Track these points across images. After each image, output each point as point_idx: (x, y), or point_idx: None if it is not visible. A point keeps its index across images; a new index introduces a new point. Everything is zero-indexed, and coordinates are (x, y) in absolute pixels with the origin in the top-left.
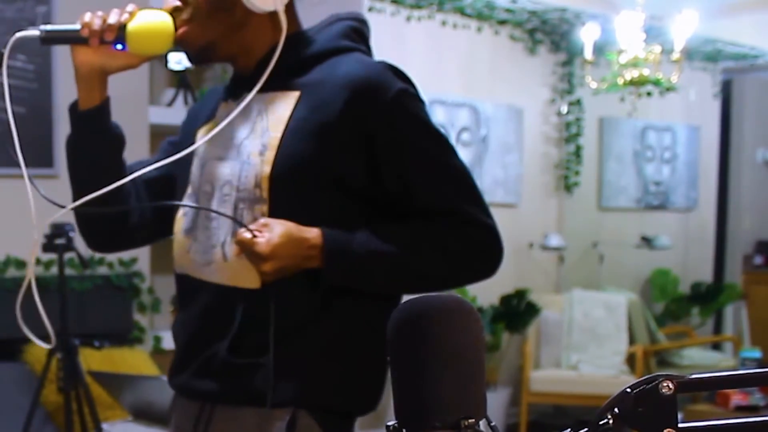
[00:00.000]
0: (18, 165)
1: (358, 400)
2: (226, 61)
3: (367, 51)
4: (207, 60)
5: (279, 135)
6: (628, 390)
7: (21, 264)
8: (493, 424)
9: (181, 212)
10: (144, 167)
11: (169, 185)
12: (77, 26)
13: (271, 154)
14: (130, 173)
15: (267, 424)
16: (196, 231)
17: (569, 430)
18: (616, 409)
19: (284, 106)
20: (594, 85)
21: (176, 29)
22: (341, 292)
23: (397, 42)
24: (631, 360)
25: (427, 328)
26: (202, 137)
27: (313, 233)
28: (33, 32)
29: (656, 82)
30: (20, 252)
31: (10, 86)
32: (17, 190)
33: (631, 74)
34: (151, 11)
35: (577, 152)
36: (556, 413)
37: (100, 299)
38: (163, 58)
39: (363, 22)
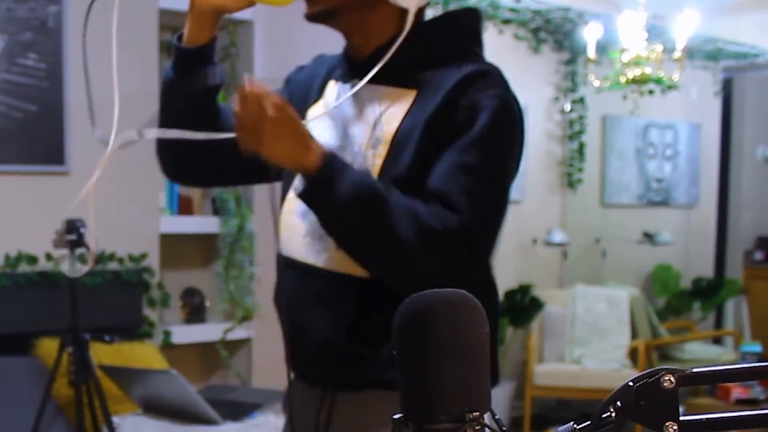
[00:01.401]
0: (29, 162)
1: None
2: (343, 32)
3: (481, 50)
4: (325, 21)
5: (392, 131)
6: (631, 384)
7: (33, 259)
8: (497, 417)
9: (292, 193)
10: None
11: None
12: None
13: (383, 149)
14: (225, 117)
15: (393, 404)
16: (311, 216)
17: (572, 423)
18: (618, 403)
19: (399, 103)
20: (597, 83)
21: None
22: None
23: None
24: (633, 354)
25: (432, 322)
26: (313, 117)
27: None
28: None
29: (658, 81)
30: (31, 247)
31: (20, 84)
32: (29, 187)
33: (634, 73)
34: None
35: (580, 149)
36: (559, 407)
37: (110, 294)
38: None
39: (479, 19)
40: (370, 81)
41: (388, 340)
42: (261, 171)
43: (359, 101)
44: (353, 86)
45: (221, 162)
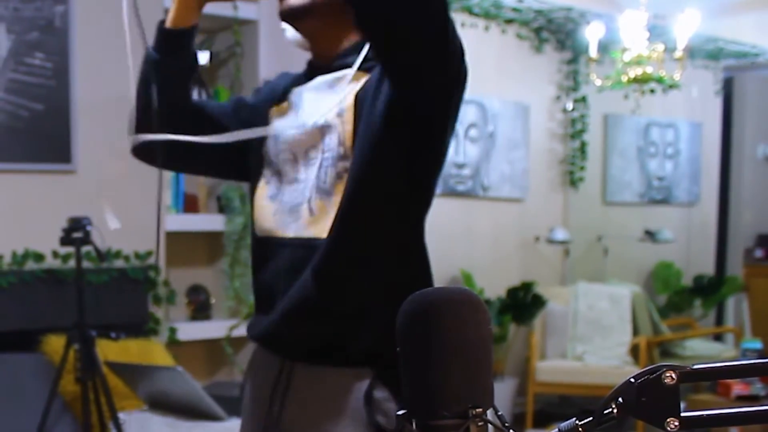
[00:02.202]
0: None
1: None
2: (310, 35)
3: None
4: (296, 20)
5: (352, 99)
6: (632, 380)
7: (39, 257)
8: (500, 413)
9: (263, 181)
10: (210, 109)
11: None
12: None
13: (349, 114)
14: (195, 108)
15: (348, 383)
16: (282, 195)
17: (574, 419)
18: (620, 399)
19: (357, 81)
20: (599, 82)
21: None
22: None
23: None
24: (634, 351)
25: (435, 320)
26: (277, 116)
27: None
28: None
29: (659, 80)
30: (38, 245)
31: (27, 83)
32: (35, 185)
33: (635, 72)
34: None
35: (582, 148)
36: (561, 403)
37: (117, 292)
38: None
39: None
40: (317, 77)
41: (346, 308)
42: (232, 166)
43: (323, 84)
44: (319, 83)
45: (196, 150)
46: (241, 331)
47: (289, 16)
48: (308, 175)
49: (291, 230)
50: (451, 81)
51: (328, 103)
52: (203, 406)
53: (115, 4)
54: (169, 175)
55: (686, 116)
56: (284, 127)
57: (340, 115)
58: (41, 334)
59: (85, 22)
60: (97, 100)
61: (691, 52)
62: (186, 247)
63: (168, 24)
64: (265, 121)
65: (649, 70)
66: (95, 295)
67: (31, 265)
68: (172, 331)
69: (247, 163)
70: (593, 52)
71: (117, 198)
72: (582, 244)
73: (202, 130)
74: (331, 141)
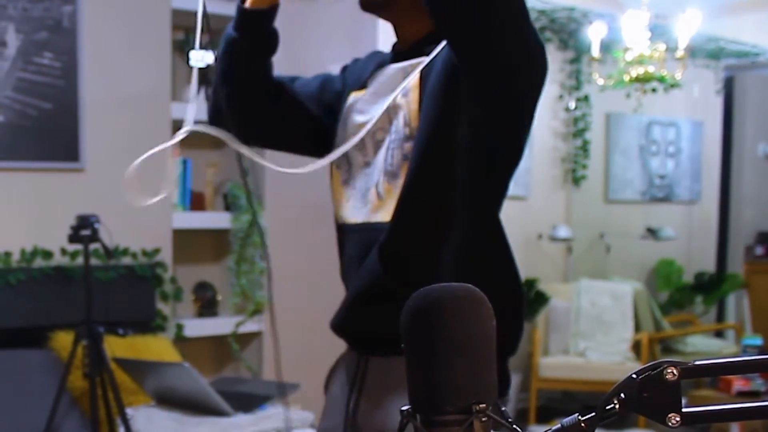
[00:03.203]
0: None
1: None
2: (392, 22)
3: None
4: (378, 9)
5: (417, 78)
6: (634, 376)
7: (48, 254)
8: (503, 408)
9: (334, 166)
10: (295, 89)
11: (309, 117)
12: None
13: (414, 94)
14: (275, 87)
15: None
16: (354, 180)
17: (577, 414)
18: (622, 395)
19: (414, 64)
20: (601, 81)
21: None
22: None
23: None
24: (636, 347)
25: (439, 316)
26: (355, 99)
27: None
28: None
29: (661, 79)
30: (46, 242)
31: (36, 83)
32: (44, 184)
33: (637, 71)
34: None
35: (585, 146)
36: (564, 398)
37: (124, 288)
38: (186, 56)
39: None
40: (394, 64)
41: (412, 290)
42: (310, 141)
43: (392, 79)
44: (392, 68)
45: (271, 128)
46: (248, 327)
47: (368, 6)
48: (377, 159)
49: (361, 216)
50: (528, 76)
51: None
52: (210, 401)
53: (122, 4)
54: (175, 173)
55: (687, 115)
56: (364, 118)
57: (405, 95)
58: (50, 330)
59: (93, 21)
60: (105, 98)
61: (692, 52)
62: (193, 244)
63: (247, 4)
64: (343, 109)
65: (651, 69)
66: (103, 291)
67: (39, 262)
68: (179, 327)
69: (326, 141)
70: (595, 52)
71: (124, 197)
72: (584, 241)
73: (285, 111)
74: (398, 122)
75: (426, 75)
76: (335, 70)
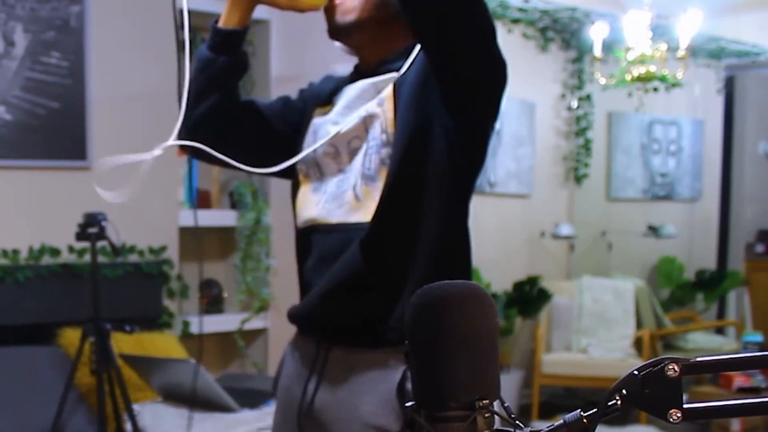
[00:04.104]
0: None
1: None
2: (356, 47)
3: None
4: (342, 36)
5: (391, 89)
6: (636, 372)
7: (55, 252)
8: (506, 404)
9: (302, 176)
10: (260, 109)
11: (275, 134)
12: None
13: (389, 103)
14: (245, 106)
15: (381, 369)
16: (326, 186)
17: (579, 410)
18: (624, 391)
19: (385, 79)
20: (603, 81)
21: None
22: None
23: None
24: (638, 344)
25: (442, 313)
26: (319, 116)
27: None
28: None
29: (662, 78)
30: (54, 240)
31: (44, 82)
32: (52, 182)
33: (639, 71)
34: None
35: (587, 145)
36: (566, 395)
37: (131, 286)
38: (191, 56)
39: None
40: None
41: (388, 284)
42: (273, 158)
43: (364, 93)
44: (361, 83)
45: (236, 140)
46: (253, 324)
47: (337, 33)
48: (353, 165)
49: (335, 217)
50: (495, 77)
51: (370, 99)
52: (216, 397)
53: (128, 5)
54: (182, 171)
55: (688, 114)
56: (338, 128)
57: (380, 105)
58: (57, 327)
59: (100, 21)
60: (111, 97)
61: (694, 51)
62: (197, 244)
63: (221, 23)
64: (308, 124)
65: (653, 68)
66: (110, 289)
67: (47, 259)
68: (185, 324)
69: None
70: (598, 52)
71: (132, 195)
72: (586, 239)
73: (252, 128)
74: (375, 130)
75: (399, 86)
76: (339, 71)
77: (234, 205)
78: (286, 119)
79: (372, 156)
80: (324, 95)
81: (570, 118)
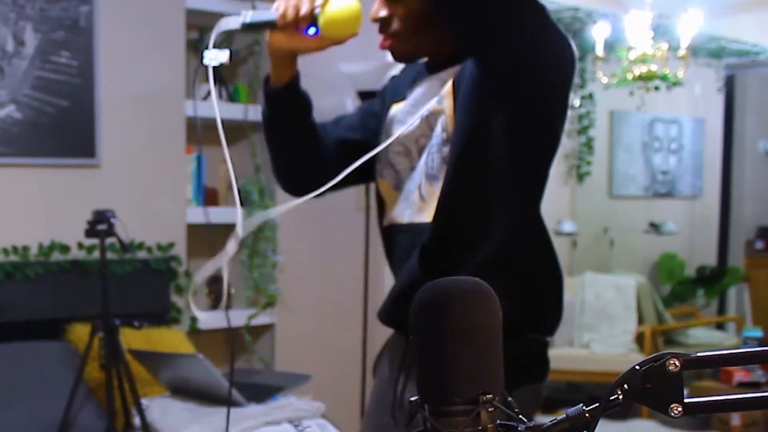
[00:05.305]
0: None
1: (539, 322)
2: (427, 55)
3: None
4: (410, 62)
5: (451, 84)
6: (637, 367)
7: (65, 248)
8: (509, 399)
9: (378, 175)
10: (340, 131)
11: (357, 147)
12: (273, 15)
13: (449, 100)
14: (321, 131)
15: None
16: (402, 184)
17: (581, 404)
18: (625, 386)
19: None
20: (605, 80)
21: (384, 39)
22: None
23: None
24: (639, 339)
25: (446, 308)
26: (395, 111)
27: None
28: (234, 25)
29: (663, 77)
30: (64, 237)
31: (53, 81)
32: (61, 179)
33: (640, 70)
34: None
35: (589, 143)
36: (569, 389)
37: (140, 282)
38: (200, 55)
39: None
40: (432, 75)
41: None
42: (363, 173)
43: (429, 89)
44: (430, 78)
45: (330, 171)
46: (260, 320)
47: (403, 61)
48: (420, 162)
49: (406, 217)
50: (556, 76)
51: (435, 95)
52: (223, 392)
53: (137, 5)
54: (189, 169)
55: (689, 112)
56: (403, 128)
57: (440, 102)
58: (67, 323)
59: (109, 21)
60: (120, 96)
61: (694, 51)
62: (206, 238)
63: (272, 82)
64: (385, 122)
65: (654, 67)
66: (119, 285)
67: (57, 256)
68: (193, 320)
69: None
70: (599, 51)
71: (140, 192)
72: (589, 235)
73: (340, 154)
74: (438, 128)
75: (458, 81)
76: (346, 69)
77: (241, 203)
78: (368, 127)
79: (434, 155)
80: (400, 90)
81: (572, 117)
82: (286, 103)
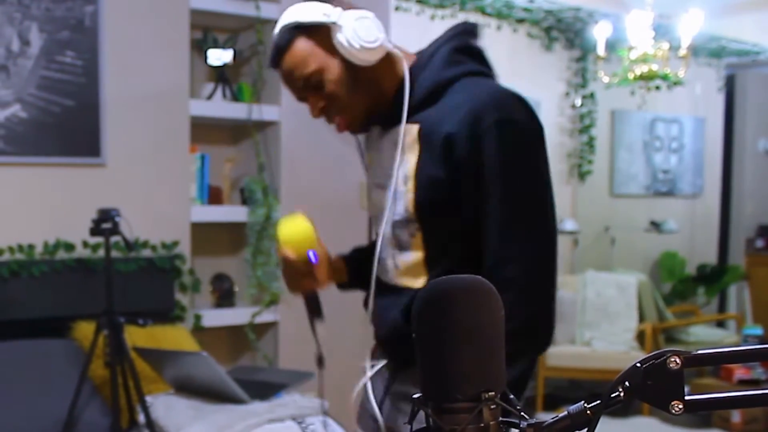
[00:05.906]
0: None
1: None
2: (377, 109)
3: (478, 64)
4: (369, 127)
5: (414, 164)
6: (638, 365)
7: (70, 247)
8: (511, 396)
9: (374, 235)
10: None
11: None
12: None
13: (411, 184)
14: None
15: None
16: (385, 249)
17: (583, 402)
18: (626, 383)
19: (412, 139)
20: (606, 79)
21: (337, 123)
22: None
23: (422, 39)
24: (640, 337)
25: (449, 306)
26: (369, 166)
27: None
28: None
29: (664, 77)
30: (69, 236)
31: (59, 80)
32: (66, 178)
33: (641, 69)
34: (289, 227)
35: (590, 142)
36: (570, 387)
37: (144, 280)
38: (204, 54)
39: (468, 33)
40: (391, 123)
41: None
42: None
43: (388, 142)
44: (381, 132)
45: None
46: (264, 317)
47: (364, 130)
48: (385, 232)
49: (388, 278)
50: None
51: (391, 169)
52: (227, 389)
53: (142, 5)
54: (194, 168)
55: (690, 112)
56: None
57: (405, 182)
58: (72, 320)
59: (114, 21)
60: (125, 96)
61: (695, 51)
62: (210, 237)
63: (336, 283)
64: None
65: (655, 67)
66: (123, 283)
67: (62, 254)
68: (197, 317)
69: None
70: (601, 51)
71: (145, 191)
72: (590, 234)
73: None
74: (399, 206)
75: (421, 167)
76: None
77: (245, 201)
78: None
79: (403, 230)
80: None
81: (574, 116)
82: (354, 287)
